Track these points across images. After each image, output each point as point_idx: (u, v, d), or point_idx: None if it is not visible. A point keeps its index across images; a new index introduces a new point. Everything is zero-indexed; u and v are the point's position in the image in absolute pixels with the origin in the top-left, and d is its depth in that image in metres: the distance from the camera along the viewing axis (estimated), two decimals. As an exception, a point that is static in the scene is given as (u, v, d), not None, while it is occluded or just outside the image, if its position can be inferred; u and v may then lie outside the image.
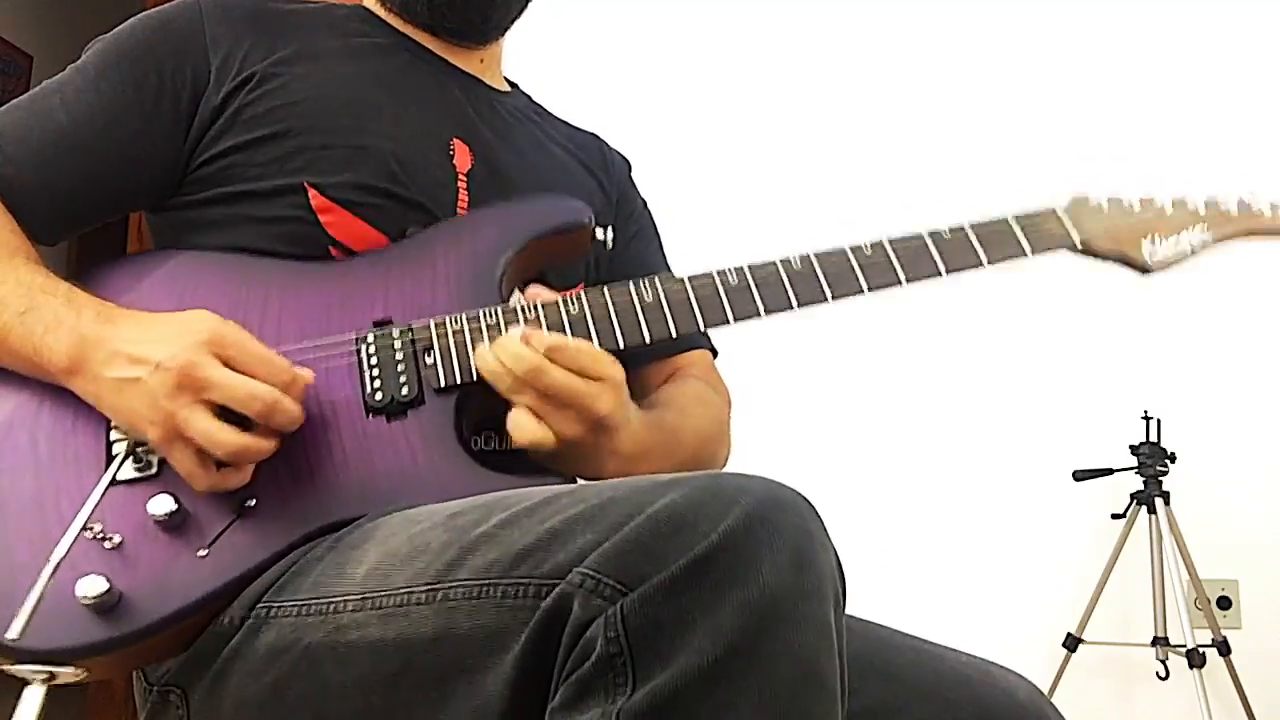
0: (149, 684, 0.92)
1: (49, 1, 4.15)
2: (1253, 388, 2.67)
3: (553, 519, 0.73)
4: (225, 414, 0.86)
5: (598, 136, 1.29)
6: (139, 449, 0.89)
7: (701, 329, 0.97)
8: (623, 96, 2.68)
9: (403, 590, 0.78)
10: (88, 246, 1.33)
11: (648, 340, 0.96)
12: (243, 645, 0.85)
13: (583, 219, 1.04)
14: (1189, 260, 1.05)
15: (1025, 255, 1.02)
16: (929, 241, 1.00)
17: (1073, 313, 2.68)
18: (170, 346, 0.86)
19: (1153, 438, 2.53)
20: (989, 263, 1.01)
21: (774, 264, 0.99)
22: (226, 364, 0.86)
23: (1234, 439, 2.67)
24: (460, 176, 1.06)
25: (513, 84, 1.26)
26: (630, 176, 1.29)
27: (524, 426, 0.90)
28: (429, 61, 1.14)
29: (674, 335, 0.96)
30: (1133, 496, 2.53)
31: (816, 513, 0.72)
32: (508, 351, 0.90)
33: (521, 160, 1.12)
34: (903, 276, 0.99)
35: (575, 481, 0.92)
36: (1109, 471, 2.53)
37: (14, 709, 0.84)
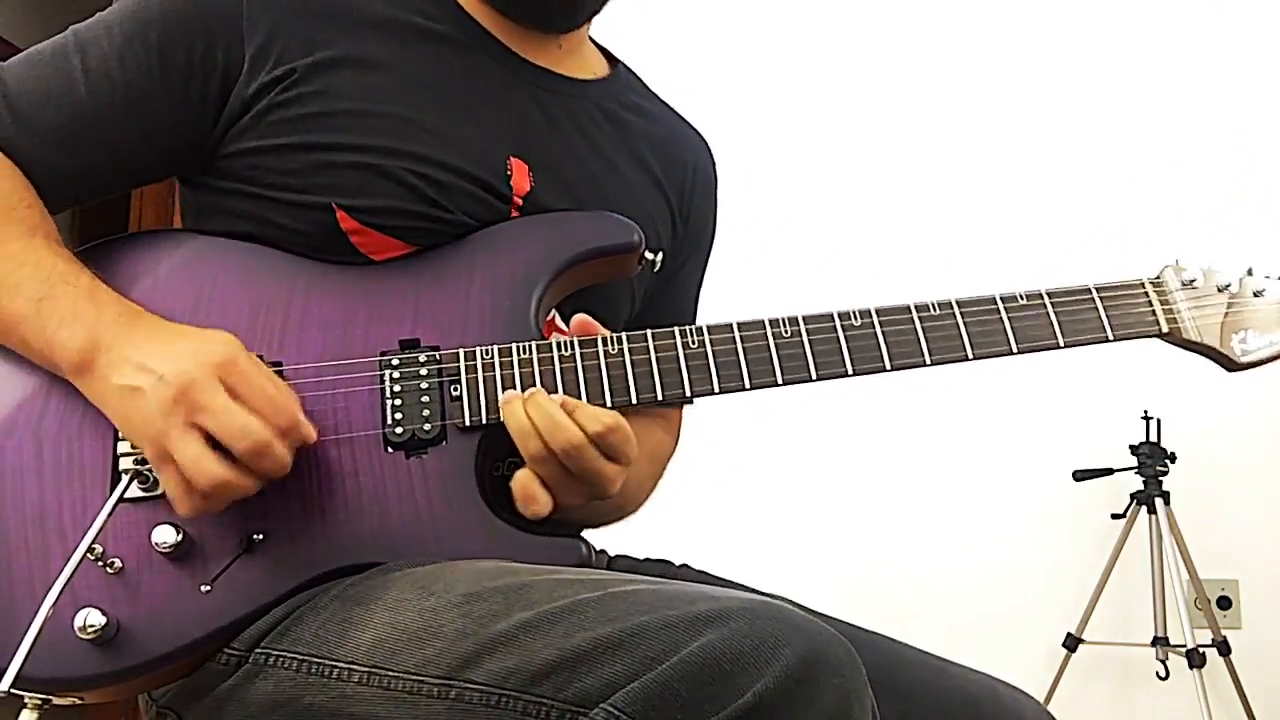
0: (151, 699, 0.91)
1: (49, 1, 4.15)
2: (1253, 388, 2.67)
3: (578, 635, 0.70)
4: (219, 443, 0.81)
5: (699, 136, 1.19)
6: (145, 467, 0.85)
7: (747, 387, 0.90)
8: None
9: (412, 677, 0.75)
10: (89, 212, 1.23)
11: (688, 394, 0.90)
12: (238, 687, 0.83)
13: (631, 241, 0.96)
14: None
15: (1107, 341, 0.93)
16: (1002, 310, 0.92)
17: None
18: (180, 362, 0.81)
19: (1153, 438, 2.53)
20: (1064, 345, 0.92)
21: (831, 318, 0.91)
22: (231, 392, 0.81)
23: (1234, 439, 2.67)
24: (515, 200, 0.98)
25: (613, 58, 1.16)
26: (715, 192, 1.19)
27: (533, 496, 0.86)
28: (496, 58, 1.03)
29: (716, 391, 0.90)
30: (1133, 496, 2.53)
31: (859, 665, 0.69)
32: (545, 415, 0.84)
33: (587, 178, 1.04)
34: (970, 351, 0.91)
35: (589, 552, 0.88)
36: (1109, 471, 2.53)
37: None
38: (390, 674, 0.76)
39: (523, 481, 0.87)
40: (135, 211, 3.07)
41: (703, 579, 1.04)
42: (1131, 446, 2.54)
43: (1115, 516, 2.56)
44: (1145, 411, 2.54)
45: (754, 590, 0.83)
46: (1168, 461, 2.51)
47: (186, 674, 0.86)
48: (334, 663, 0.79)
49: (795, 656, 0.65)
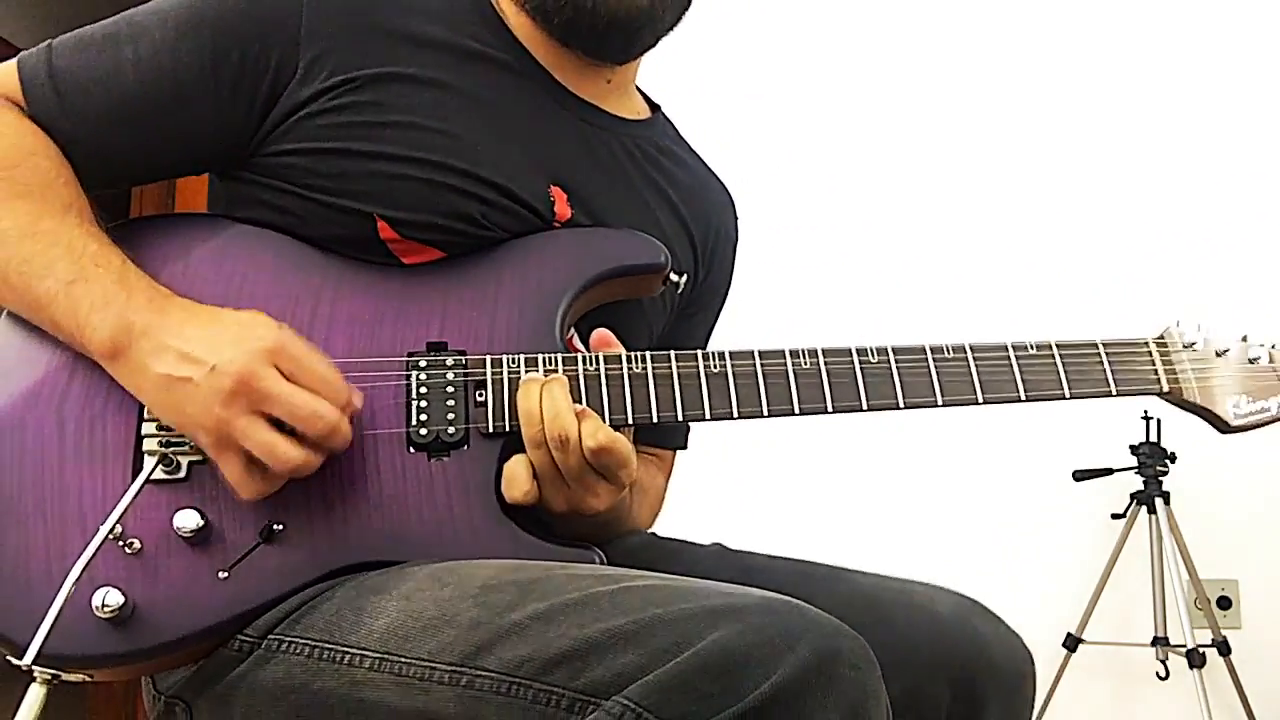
0: (158, 692, 0.91)
1: (49, 1, 4.15)
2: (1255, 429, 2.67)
3: (592, 626, 0.70)
4: (275, 426, 0.83)
5: (727, 192, 1.21)
6: (170, 449, 0.86)
7: (765, 413, 0.92)
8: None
9: (424, 663, 0.76)
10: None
11: (707, 416, 0.92)
12: (250, 673, 0.84)
13: (658, 260, 0.98)
14: (1270, 425, 1.03)
15: (1109, 396, 0.98)
16: (1013, 359, 0.96)
17: (1073, 312, 2.68)
18: (229, 350, 0.81)
19: (1153, 438, 2.53)
20: (1069, 397, 0.96)
21: (849, 353, 0.94)
22: (288, 377, 0.82)
23: (1234, 439, 2.66)
24: (555, 225, 0.99)
25: (654, 105, 1.18)
26: (734, 251, 1.21)
27: (516, 477, 0.87)
28: (546, 89, 1.05)
29: (735, 415, 0.92)
30: (1133, 496, 2.53)
31: (874, 661, 0.69)
32: (553, 404, 0.86)
33: (620, 211, 1.05)
34: (980, 395, 0.95)
35: (604, 563, 0.88)
36: (1109, 471, 2.53)
37: (16, 708, 0.84)
38: (402, 660, 0.77)
39: (513, 463, 0.88)
40: (135, 201, 3.06)
41: (740, 561, 1.04)
42: (1131, 446, 2.54)
43: (1115, 516, 2.56)
44: (1145, 411, 2.54)
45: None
46: (1168, 461, 2.52)
47: (198, 659, 0.86)
48: (345, 649, 0.80)
49: (811, 650, 0.66)
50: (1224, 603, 2.67)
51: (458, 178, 0.95)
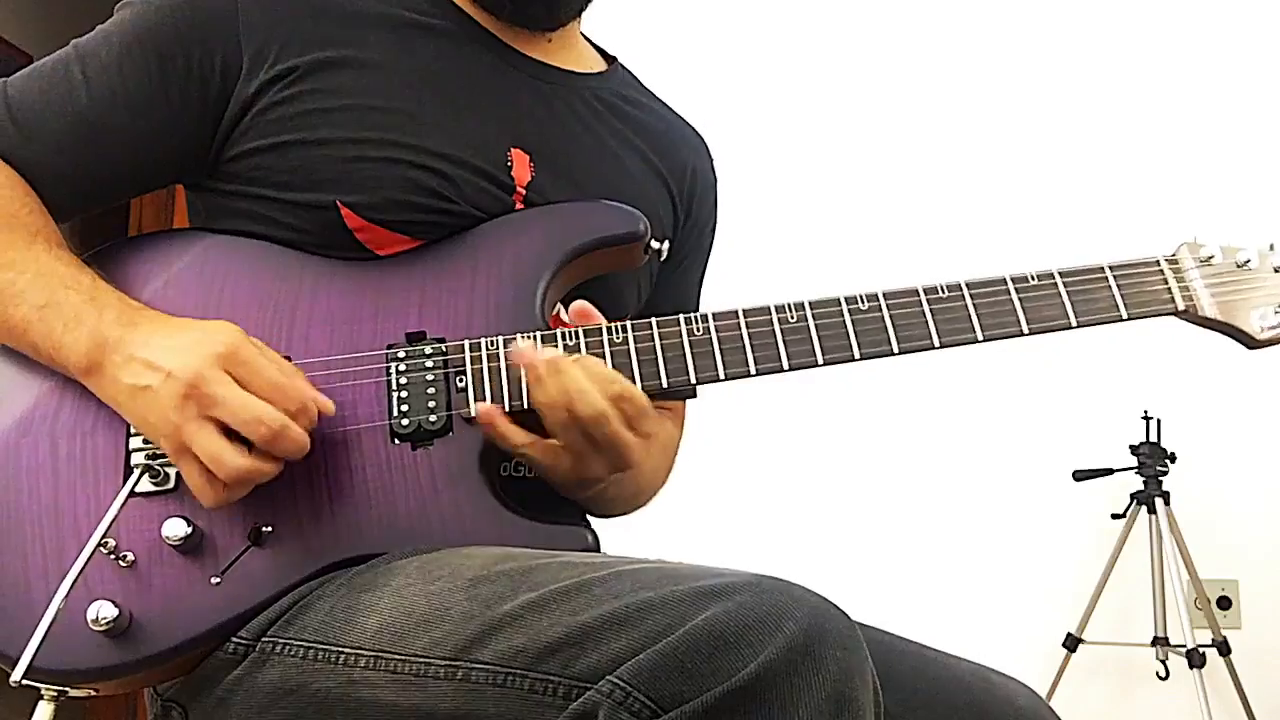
0: (156, 694, 0.91)
1: (49, 1, 4.15)
2: (1253, 388, 2.67)
3: (585, 613, 0.70)
4: (229, 433, 0.83)
5: (698, 135, 1.19)
6: (156, 461, 0.87)
7: (753, 372, 0.90)
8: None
9: (419, 659, 0.76)
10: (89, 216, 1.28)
11: (693, 381, 0.91)
12: (245, 676, 0.84)
13: (637, 230, 0.96)
14: None
15: (1120, 320, 0.92)
16: (1013, 292, 0.91)
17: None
18: (184, 356, 0.83)
19: (1153, 438, 2.53)
20: (1077, 325, 0.91)
21: (838, 302, 0.91)
22: (239, 382, 0.83)
23: (1234, 439, 2.67)
24: (518, 190, 0.99)
25: (610, 57, 1.17)
26: (714, 193, 1.20)
27: (560, 466, 0.89)
28: (492, 50, 1.05)
29: (722, 377, 0.90)
30: (1133, 496, 2.53)
31: (861, 640, 0.70)
32: (574, 385, 0.86)
33: (588, 167, 1.04)
34: (980, 333, 0.90)
35: (595, 540, 0.89)
36: (1109, 471, 2.53)
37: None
38: (397, 657, 0.77)
39: (547, 454, 0.89)
40: (135, 214, 3.07)
41: None
42: (1131, 446, 2.54)
43: (1115, 516, 2.56)
44: (1145, 411, 2.54)
45: None
46: (1168, 461, 2.52)
47: (200, 663, 0.86)
48: (340, 648, 0.80)
49: (798, 629, 0.66)
50: (1224, 603, 2.67)
51: (411, 153, 0.95)
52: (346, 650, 0.80)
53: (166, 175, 1.01)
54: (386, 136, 0.95)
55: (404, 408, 0.89)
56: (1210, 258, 0.94)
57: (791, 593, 0.69)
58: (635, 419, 0.88)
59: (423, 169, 0.95)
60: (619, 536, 1.11)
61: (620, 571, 0.73)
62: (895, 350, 0.90)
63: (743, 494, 2.68)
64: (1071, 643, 2.52)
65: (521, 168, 1.00)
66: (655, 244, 1.02)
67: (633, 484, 1.01)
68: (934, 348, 0.90)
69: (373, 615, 0.80)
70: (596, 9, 1.11)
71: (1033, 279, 0.92)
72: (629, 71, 1.18)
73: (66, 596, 0.80)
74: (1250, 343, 0.94)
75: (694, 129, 1.20)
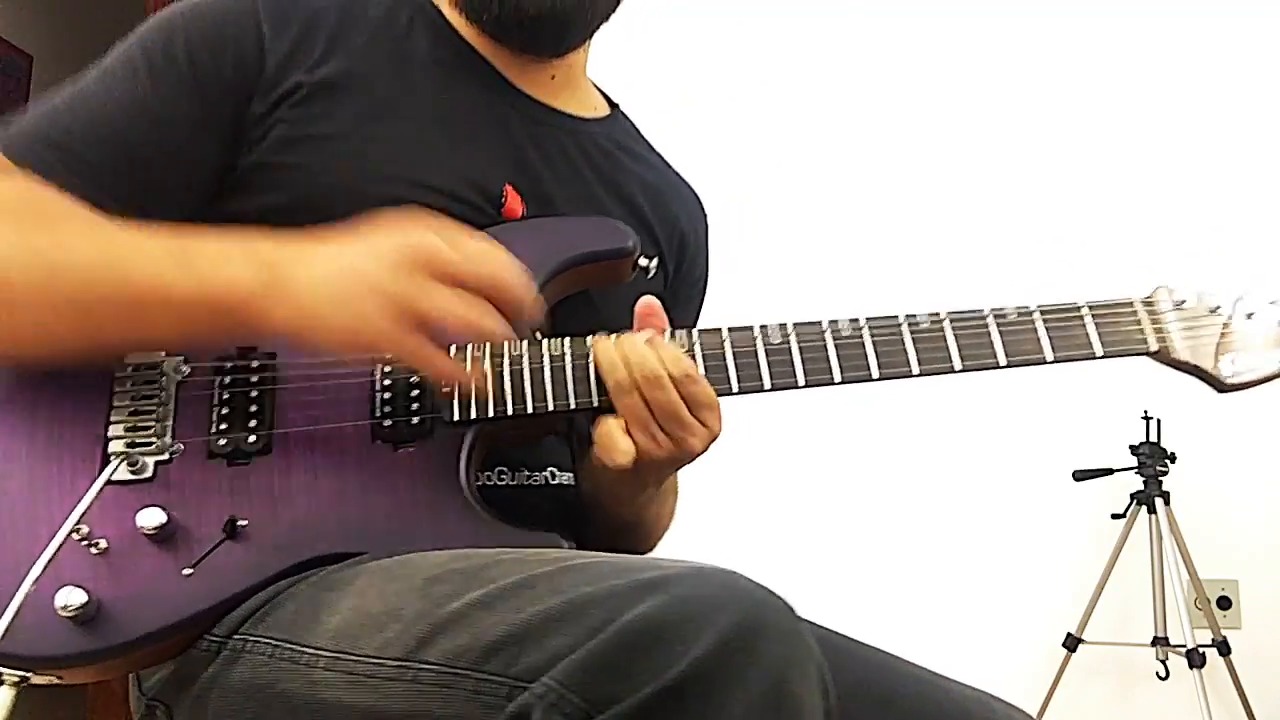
0: (141, 693, 0.92)
1: (49, 1, 4.15)
2: (1252, 388, 2.67)
3: (527, 609, 0.69)
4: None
5: (693, 193, 1.20)
6: (135, 449, 0.87)
7: (734, 391, 0.91)
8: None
9: (372, 659, 0.75)
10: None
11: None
12: (219, 673, 0.84)
13: (625, 246, 0.98)
14: (1268, 383, 0.97)
15: (1095, 358, 0.94)
16: (992, 325, 0.93)
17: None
18: (375, 243, 0.82)
19: (1153, 438, 2.53)
20: (1053, 360, 0.93)
21: (820, 325, 0.93)
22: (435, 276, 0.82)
23: (1234, 439, 2.67)
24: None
25: (613, 103, 1.17)
26: (705, 253, 1.20)
27: (615, 440, 0.88)
28: (493, 88, 1.05)
29: (734, 390, 0.91)
30: (1133, 496, 2.53)
31: (801, 631, 0.67)
32: (635, 349, 0.87)
33: (575, 205, 1.05)
34: (958, 363, 0.92)
35: (568, 540, 0.88)
36: (1109, 471, 2.53)
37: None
38: (352, 658, 0.76)
39: (603, 430, 0.89)
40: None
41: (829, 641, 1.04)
42: (1131, 446, 2.54)
43: (1115, 516, 2.56)
44: (1145, 411, 2.54)
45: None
46: (1168, 461, 2.52)
47: (169, 657, 0.86)
48: (303, 648, 0.80)
49: (731, 623, 0.64)
50: (1224, 603, 2.67)
51: (406, 188, 0.95)
52: (309, 651, 0.79)
53: (192, 195, 0.99)
54: (385, 170, 0.96)
55: (387, 408, 0.90)
56: (1183, 302, 0.97)
57: (729, 584, 0.67)
58: (696, 400, 0.88)
59: (418, 205, 0.94)
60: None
61: (568, 566, 0.72)
62: (875, 376, 0.92)
63: (742, 494, 2.68)
64: (1071, 643, 2.52)
65: (514, 203, 1.00)
66: (644, 261, 1.03)
67: (665, 506, 1.04)
68: (912, 375, 0.92)
69: (334, 616, 0.79)
70: (606, 31, 1.10)
71: (1012, 313, 0.94)
72: (629, 121, 1.18)
73: (36, 581, 0.79)
74: (1220, 387, 0.97)
75: (690, 187, 1.20)
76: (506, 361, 0.90)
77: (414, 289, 0.81)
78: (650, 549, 1.10)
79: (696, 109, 2.78)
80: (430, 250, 0.81)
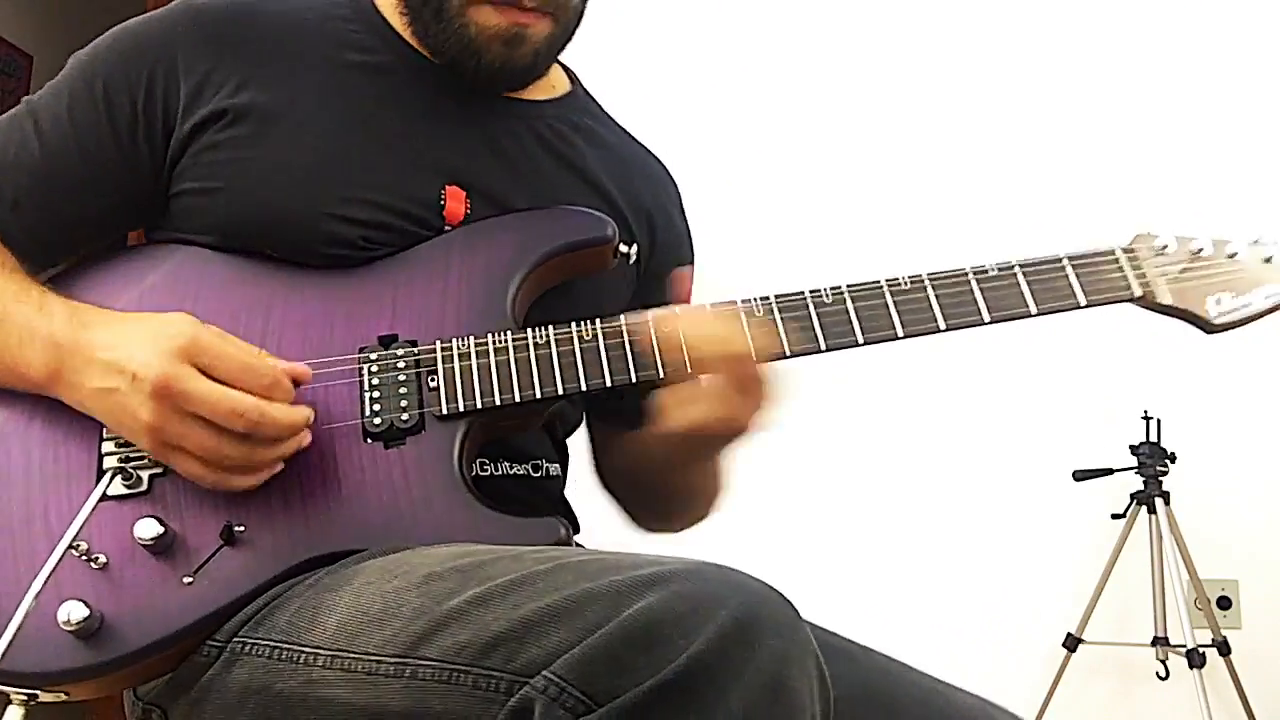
0: (136, 698, 0.91)
1: (49, 1, 4.15)
2: (1253, 388, 2.67)
3: (526, 605, 0.70)
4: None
5: (658, 163, 1.20)
6: (129, 464, 0.87)
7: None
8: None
9: (371, 657, 0.76)
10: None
11: (661, 376, 0.94)
12: (217, 678, 0.84)
13: (605, 234, 0.99)
14: (1257, 320, 0.96)
15: (1079, 307, 0.94)
16: (974, 282, 0.93)
17: (1073, 312, 2.67)
18: (145, 353, 0.83)
19: (1153, 438, 2.53)
20: (1037, 312, 0.93)
21: (803, 295, 0.93)
22: (204, 371, 0.83)
23: (1234, 439, 2.67)
24: (448, 228, 1.00)
25: (574, 77, 1.16)
26: (681, 216, 1.20)
27: (688, 408, 0.94)
28: (435, 86, 1.04)
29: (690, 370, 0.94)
30: (1133, 496, 2.53)
31: (800, 627, 0.68)
32: (706, 323, 0.92)
33: (531, 195, 1.04)
34: (942, 322, 0.92)
35: (568, 533, 0.90)
36: (1109, 471, 2.52)
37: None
38: (351, 656, 0.77)
39: (677, 397, 0.96)
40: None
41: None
42: (1131, 446, 2.54)
43: (1115, 516, 2.56)
44: (1145, 411, 2.54)
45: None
46: (1168, 461, 2.51)
47: (171, 668, 0.86)
48: (302, 648, 0.80)
49: (731, 618, 0.65)
50: (1224, 603, 2.66)
51: (335, 204, 0.96)
52: (307, 650, 0.80)
53: (129, 219, 1.03)
54: (311, 189, 0.96)
55: (376, 407, 0.90)
56: (1165, 247, 0.97)
57: (729, 579, 0.68)
58: (744, 378, 0.92)
59: (345, 221, 0.96)
60: (622, 539, 1.11)
61: (565, 564, 0.73)
62: (860, 341, 0.92)
63: (742, 494, 2.68)
64: (1071, 643, 2.51)
65: (456, 204, 1.00)
66: (624, 248, 1.04)
67: (711, 479, 1.13)
68: (897, 338, 0.92)
69: (333, 615, 0.80)
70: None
71: (993, 270, 0.94)
72: (589, 96, 1.17)
73: (37, 597, 0.80)
74: (1207, 327, 0.96)
75: (653, 155, 1.20)
76: (492, 353, 0.92)
77: (163, 421, 0.83)
78: (705, 516, 1.20)
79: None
80: (179, 386, 0.82)
